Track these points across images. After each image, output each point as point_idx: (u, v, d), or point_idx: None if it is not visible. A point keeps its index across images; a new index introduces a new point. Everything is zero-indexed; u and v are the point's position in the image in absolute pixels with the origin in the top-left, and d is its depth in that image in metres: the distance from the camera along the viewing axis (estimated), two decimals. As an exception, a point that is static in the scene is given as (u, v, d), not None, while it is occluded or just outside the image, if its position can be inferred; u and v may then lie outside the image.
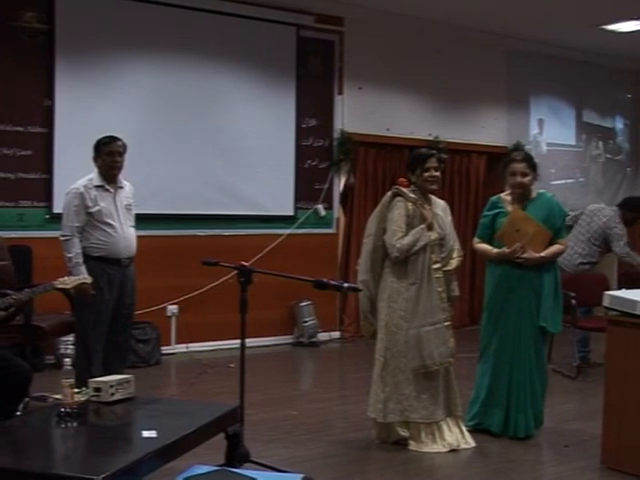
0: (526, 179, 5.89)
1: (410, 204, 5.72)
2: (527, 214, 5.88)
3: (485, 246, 6.00)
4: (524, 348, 5.86)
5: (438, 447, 5.62)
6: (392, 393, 5.66)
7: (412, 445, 5.64)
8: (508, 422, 5.88)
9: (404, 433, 5.68)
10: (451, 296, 5.89)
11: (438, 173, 5.83)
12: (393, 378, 5.67)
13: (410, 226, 5.68)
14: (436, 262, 5.69)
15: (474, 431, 5.91)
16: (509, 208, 5.94)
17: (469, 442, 5.74)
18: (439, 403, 5.66)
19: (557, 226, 5.97)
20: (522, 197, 5.94)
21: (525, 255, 5.78)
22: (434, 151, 6.07)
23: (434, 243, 5.69)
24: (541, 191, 6.14)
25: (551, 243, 5.90)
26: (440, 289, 5.68)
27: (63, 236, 6.18)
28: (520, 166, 5.89)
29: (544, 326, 5.86)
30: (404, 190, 5.80)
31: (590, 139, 12.77)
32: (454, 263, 5.83)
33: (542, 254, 5.83)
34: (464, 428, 5.81)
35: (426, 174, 5.78)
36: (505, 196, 6.04)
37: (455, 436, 5.71)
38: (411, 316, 5.62)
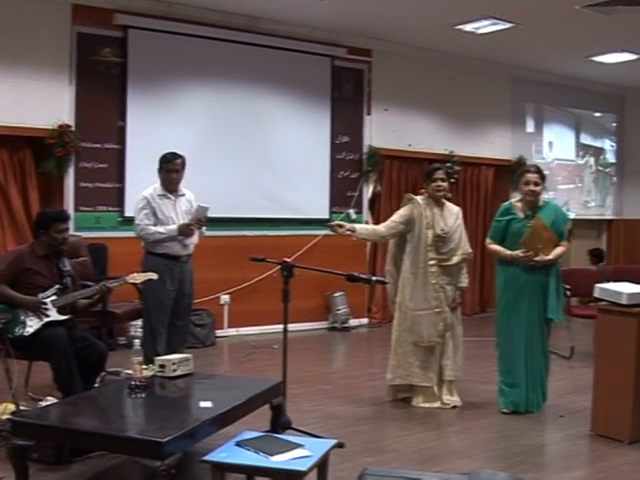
0: (538, 188, 5.75)
1: (416, 209, 5.93)
2: (544, 222, 5.75)
3: (498, 247, 5.84)
4: (535, 337, 5.78)
5: (435, 404, 5.92)
6: (400, 361, 5.96)
7: (414, 402, 5.96)
8: (528, 402, 5.81)
9: (405, 394, 6.04)
10: (459, 287, 6.03)
11: (445, 184, 5.98)
12: (402, 349, 5.97)
13: (409, 225, 5.93)
14: (432, 259, 5.88)
15: (505, 414, 5.80)
16: (521, 214, 5.77)
17: (456, 400, 5.97)
18: (434, 371, 5.93)
19: (561, 230, 5.85)
20: (532, 204, 5.79)
21: (537, 258, 5.66)
22: (440, 164, 6.26)
23: (432, 242, 5.87)
24: (547, 199, 6.03)
25: (554, 245, 5.79)
26: (434, 281, 5.87)
27: (141, 230, 6.09)
28: (533, 176, 5.76)
29: (551, 318, 5.79)
30: (415, 197, 6.04)
31: (585, 155, 13.05)
32: (454, 260, 5.94)
33: (550, 256, 5.71)
34: (454, 392, 6.00)
35: (433, 184, 5.98)
36: (516, 202, 5.90)
37: (446, 396, 5.96)
38: (411, 300, 5.90)
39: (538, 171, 5.85)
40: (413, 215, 5.92)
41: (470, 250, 6.08)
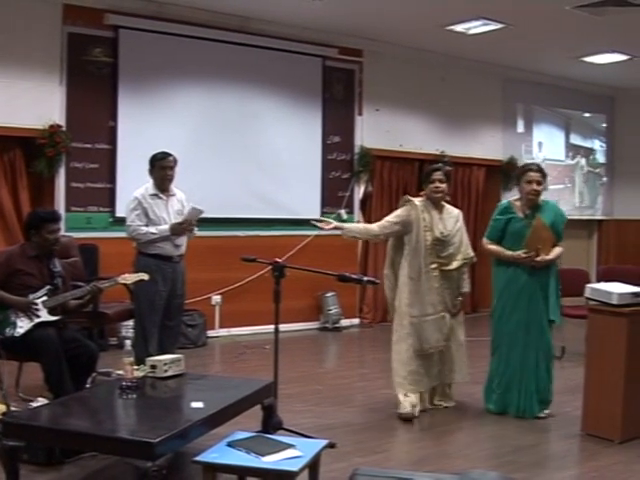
0: (540, 187, 5.66)
1: (413, 211, 5.73)
2: (545, 222, 5.68)
3: (499, 248, 5.74)
4: (533, 340, 5.67)
5: (428, 405, 5.88)
6: (399, 369, 5.74)
7: (415, 407, 5.73)
8: (519, 405, 5.74)
9: (406, 404, 5.67)
10: (461, 292, 5.90)
11: (443, 185, 5.78)
12: (398, 356, 5.75)
13: (406, 227, 5.73)
14: (432, 263, 5.71)
15: (494, 414, 5.79)
16: (520, 214, 5.70)
17: (449, 402, 6.00)
18: (431, 376, 5.81)
19: (560, 230, 5.76)
20: (532, 203, 5.69)
21: (538, 259, 5.58)
22: (439, 165, 6.00)
23: (431, 246, 5.69)
24: (545, 199, 5.88)
25: (553, 245, 5.72)
26: (437, 285, 5.71)
27: (133, 231, 6.11)
28: (536, 175, 5.66)
29: (553, 319, 5.70)
30: (412, 199, 5.85)
31: (575, 156, 13.10)
32: (454, 265, 5.77)
33: (550, 256, 5.64)
34: (448, 394, 6.01)
35: (431, 185, 5.78)
36: (514, 201, 5.81)
37: (440, 397, 5.98)
38: (412, 306, 5.68)
39: (540, 170, 5.75)
40: (410, 217, 5.72)
41: (472, 254, 5.90)
